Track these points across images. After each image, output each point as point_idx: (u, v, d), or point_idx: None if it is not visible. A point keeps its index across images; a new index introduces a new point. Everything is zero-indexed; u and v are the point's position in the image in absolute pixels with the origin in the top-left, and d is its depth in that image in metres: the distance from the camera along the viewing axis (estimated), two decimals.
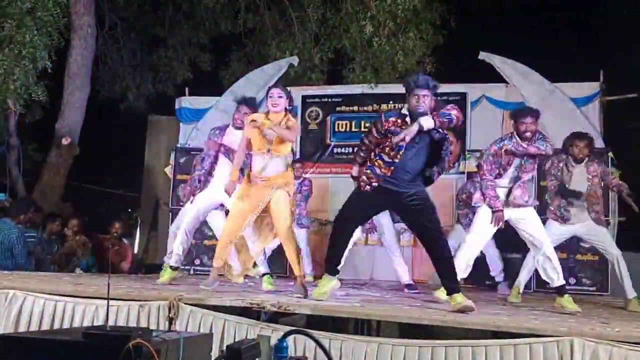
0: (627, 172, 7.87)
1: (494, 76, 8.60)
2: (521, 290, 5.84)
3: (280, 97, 4.97)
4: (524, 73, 8.42)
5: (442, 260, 4.54)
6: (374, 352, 3.61)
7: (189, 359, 2.44)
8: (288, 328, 3.39)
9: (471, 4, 11.64)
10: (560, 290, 5.00)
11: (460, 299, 4.32)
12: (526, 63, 8.43)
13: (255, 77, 9.72)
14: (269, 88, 5.12)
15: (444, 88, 8.95)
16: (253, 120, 4.99)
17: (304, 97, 9.48)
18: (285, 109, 5.03)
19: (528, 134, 5.09)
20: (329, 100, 9.46)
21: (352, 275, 7.70)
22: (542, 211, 7.17)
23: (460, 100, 8.70)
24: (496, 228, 5.18)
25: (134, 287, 5.01)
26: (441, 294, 4.91)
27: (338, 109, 9.33)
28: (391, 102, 8.77)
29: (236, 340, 3.62)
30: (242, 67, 11.75)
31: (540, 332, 3.50)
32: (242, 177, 5.20)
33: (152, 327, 3.88)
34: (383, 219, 6.26)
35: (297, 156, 9.18)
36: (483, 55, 8.52)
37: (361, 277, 7.84)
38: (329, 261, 4.79)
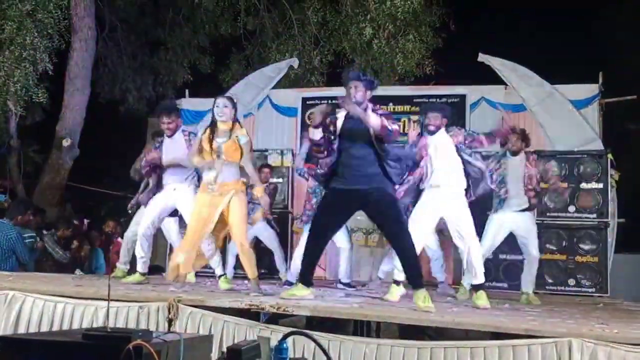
0: (626, 174, 7.89)
1: (493, 78, 8.61)
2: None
3: (225, 106, 5.08)
4: (523, 75, 8.42)
5: (406, 255, 4.53)
6: (373, 353, 3.61)
7: None
8: (287, 329, 3.41)
9: (470, 7, 11.66)
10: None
11: (422, 295, 4.33)
12: (525, 65, 8.44)
13: (255, 80, 9.72)
14: (215, 98, 5.22)
15: (444, 90, 9.02)
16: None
17: (303, 99, 9.48)
18: (234, 119, 5.14)
19: (431, 128, 5.28)
20: (329, 102, 9.43)
21: (352, 276, 7.69)
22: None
23: (460, 102, 8.71)
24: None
25: (133, 288, 5.01)
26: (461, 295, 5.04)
27: (338, 110, 9.33)
28: (391, 103, 8.78)
29: (235, 341, 3.63)
30: (242, 69, 11.78)
31: (538, 333, 3.50)
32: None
33: (152, 328, 3.88)
34: None
35: (297, 158, 9.20)
36: (482, 58, 8.53)
37: (361, 278, 7.84)
38: (303, 270, 4.70)
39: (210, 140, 5.02)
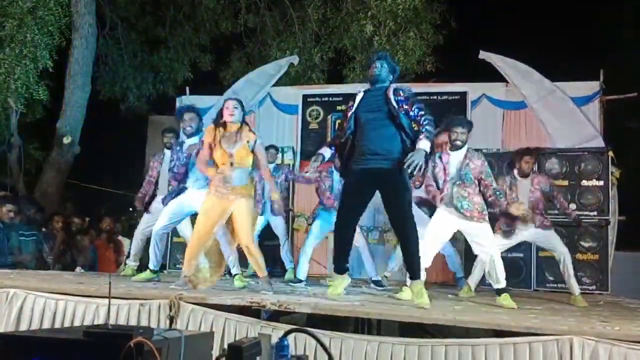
0: (627, 171, 7.88)
1: (494, 75, 8.60)
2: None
3: (235, 108, 5.11)
4: (524, 72, 8.41)
5: (408, 243, 4.56)
6: (374, 351, 3.61)
7: (190, 357, 2.45)
8: (288, 327, 3.40)
9: (471, 4, 11.65)
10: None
11: (417, 288, 4.45)
12: (526, 62, 8.43)
13: (255, 77, 9.72)
14: (225, 100, 5.26)
15: (445, 87, 9.01)
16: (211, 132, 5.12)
17: (304, 97, 9.48)
18: (242, 120, 5.18)
19: (458, 143, 5.29)
20: (330, 99, 9.46)
21: (352, 275, 7.70)
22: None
23: (461, 100, 8.70)
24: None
25: (134, 285, 5.02)
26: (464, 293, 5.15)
27: (339, 108, 9.33)
28: None
29: (236, 338, 3.63)
30: (242, 67, 11.77)
31: (540, 330, 3.50)
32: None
33: (153, 325, 3.88)
34: None
35: (298, 155, 9.22)
36: (483, 55, 8.51)
37: (362, 276, 7.84)
38: (335, 260, 4.86)
39: (220, 144, 5.04)
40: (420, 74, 10.71)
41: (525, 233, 5.92)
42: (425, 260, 4.98)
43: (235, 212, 5.05)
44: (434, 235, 5.25)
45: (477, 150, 5.57)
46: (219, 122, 5.15)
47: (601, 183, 7.35)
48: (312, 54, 11.20)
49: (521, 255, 7.46)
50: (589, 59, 9.58)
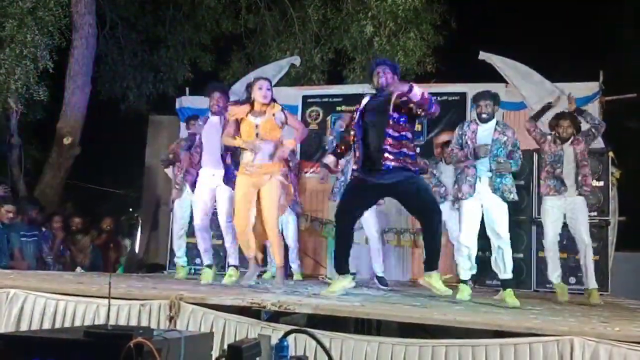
0: (627, 172, 7.88)
1: (494, 76, 8.60)
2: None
3: (268, 89, 5.15)
4: (524, 73, 8.41)
5: (431, 234, 4.64)
6: (375, 352, 3.61)
7: (190, 357, 2.45)
8: (288, 327, 3.40)
9: (471, 5, 11.65)
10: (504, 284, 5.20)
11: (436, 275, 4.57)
12: (526, 63, 8.43)
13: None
14: (256, 79, 5.27)
15: (444, 88, 9.00)
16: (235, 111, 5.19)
17: (304, 97, 9.48)
18: (272, 99, 5.21)
19: (484, 116, 5.29)
20: (330, 100, 9.46)
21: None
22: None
23: (461, 100, 8.70)
24: None
25: (135, 286, 5.01)
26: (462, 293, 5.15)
27: (338, 108, 9.33)
28: None
29: (236, 339, 3.63)
30: (242, 67, 11.77)
31: (540, 331, 3.50)
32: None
33: (153, 326, 3.88)
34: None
35: (298, 156, 9.21)
36: (483, 56, 8.51)
37: (362, 276, 7.84)
38: (336, 258, 4.84)
39: (247, 117, 5.07)
40: (420, 74, 10.71)
41: (569, 199, 5.87)
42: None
43: (263, 192, 5.05)
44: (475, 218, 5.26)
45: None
46: (248, 100, 5.15)
47: (601, 184, 7.35)
48: (312, 54, 11.20)
49: (521, 255, 7.46)
50: (589, 60, 9.59)
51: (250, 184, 5.07)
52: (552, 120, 6.14)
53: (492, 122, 5.32)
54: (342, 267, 4.78)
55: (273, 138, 5.10)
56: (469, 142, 5.31)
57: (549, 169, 5.97)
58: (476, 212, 5.24)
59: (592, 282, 5.79)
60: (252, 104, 5.14)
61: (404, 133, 4.65)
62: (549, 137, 6.06)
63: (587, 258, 5.83)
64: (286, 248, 7.50)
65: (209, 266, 5.91)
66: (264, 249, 5.67)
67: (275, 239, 5.15)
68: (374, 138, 4.64)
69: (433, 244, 4.66)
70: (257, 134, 5.02)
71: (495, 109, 5.34)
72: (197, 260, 8.51)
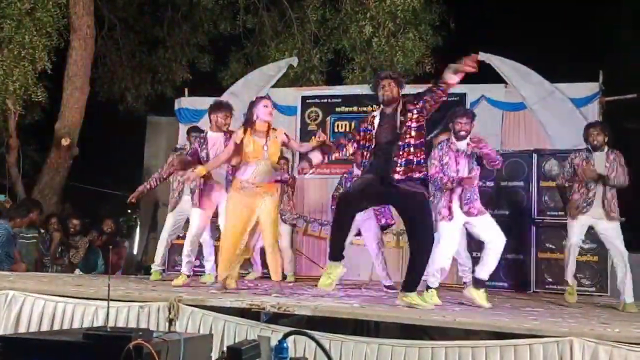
0: (627, 173, 7.85)
1: (493, 77, 8.60)
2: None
3: (272, 108, 5.27)
4: (524, 73, 8.42)
5: (419, 254, 4.59)
6: (374, 353, 3.60)
7: (190, 359, 2.44)
8: (288, 329, 3.39)
9: (470, 5, 11.66)
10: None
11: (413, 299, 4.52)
12: (525, 63, 8.43)
13: (254, 78, 9.71)
14: (260, 98, 5.33)
15: None
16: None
17: (303, 98, 9.47)
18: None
19: (462, 134, 5.27)
20: (329, 100, 9.45)
21: (351, 276, 7.69)
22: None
23: (460, 101, 8.69)
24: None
25: (134, 288, 5.01)
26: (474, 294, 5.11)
27: (337, 109, 9.32)
28: None
29: (236, 341, 3.62)
30: (241, 68, 11.76)
31: (540, 332, 3.50)
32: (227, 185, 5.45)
33: (152, 328, 3.87)
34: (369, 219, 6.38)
35: (297, 157, 9.20)
36: (482, 56, 8.49)
37: (361, 278, 7.84)
38: (331, 246, 4.73)
39: (252, 138, 5.09)
40: (419, 75, 10.71)
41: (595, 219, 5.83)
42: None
43: (262, 210, 5.06)
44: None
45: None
46: (250, 121, 5.15)
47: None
48: (310, 55, 11.20)
49: (521, 256, 7.46)
50: (588, 60, 9.58)
51: (246, 203, 5.06)
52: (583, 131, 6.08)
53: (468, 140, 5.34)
54: (338, 255, 4.68)
55: (275, 160, 5.21)
56: (451, 162, 5.30)
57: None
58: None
59: (630, 295, 5.67)
60: (253, 125, 5.13)
61: (413, 157, 4.62)
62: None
63: (627, 267, 5.75)
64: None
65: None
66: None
67: (276, 255, 5.17)
68: (387, 153, 4.61)
69: (418, 266, 4.62)
70: (265, 157, 5.09)
71: (472, 125, 5.33)
72: (196, 262, 8.53)
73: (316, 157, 4.79)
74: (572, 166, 6.01)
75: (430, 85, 4.88)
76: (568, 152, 7.51)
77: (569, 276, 6.08)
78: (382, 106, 4.79)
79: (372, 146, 4.68)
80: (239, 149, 5.16)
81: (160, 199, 9.91)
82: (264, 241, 5.24)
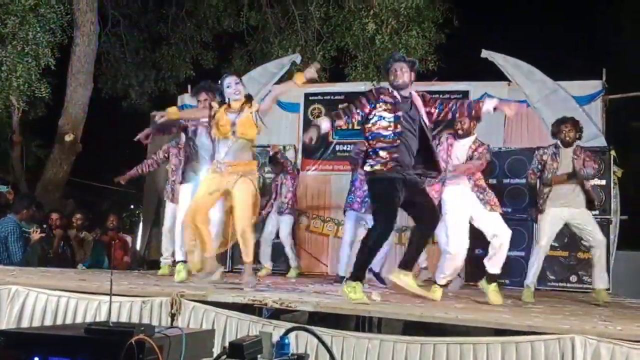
0: (629, 170, 7.87)
1: (496, 74, 8.59)
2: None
3: (237, 83, 5.02)
4: (527, 71, 8.39)
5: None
6: (376, 349, 3.61)
7: (191, 355, 2.45)
8: (290, 325, 3.40)
9: (474, 3, 11.64)
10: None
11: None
12: (528, 61, 8.41)
13: (257, 75, 9.70)
14: (223, 78, 5.11)
15: (447, 86, 9.00)
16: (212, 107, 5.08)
17: (306, 95, 9.47)
18: (246, 95, 5.09)
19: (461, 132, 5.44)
20: (332, 97, 9.45)
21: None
22: None
23: (462, 99, 8.68)
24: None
25: (136, 283, 5.01)
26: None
27: (340, 106, 9.29)
28: None
29: (238, 336, 3.63)
30: (244, 64, 11.78)
31: (541, 329, 3.50)
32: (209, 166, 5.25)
33: (155, 323, 3.88)
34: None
35: (300, 154, 9.21)
36: (485, 54, 8.49)
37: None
38: (362, 267, 4.54)
39: (224, 114, 4.94)
40: (422, 72, 10.69)
41: (566, 211, 5.76)
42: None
43: (235, 191, 4.90)
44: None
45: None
46: (223, 102, 5.04)
47: (603, 182, 7.34)
48: (314, 52, 11.19)
49: (522, 254, 7.45)
50: (592, 58, 9.58)
51: (218, 183, 4.93)
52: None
53: (470, 139, 5.38)
54: (364, 275, 4.65)
55: (250, 136, 4.99)
56: (442, 153, 5.39)
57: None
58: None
59: (602, 282, 5.72)
60: (228, 104, 5.02)
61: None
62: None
63: (602, 257, 5.74)
64: (281, 246, 7.58)
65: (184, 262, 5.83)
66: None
67: (246, 239, 4.93)
68: (411, 142, 4.58)
69: (420, 247, 4.71)
70: (233, 132, 4.89)
71: (471, 124, 5.35)
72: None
73: (325, 124, 4.51)
74: (540, 162, 5.95)
75: (462, 101, 4.86)
76: None
77: (533, 278, 5.95)
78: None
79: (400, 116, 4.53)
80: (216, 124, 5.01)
81: (162, 194, 9.93)
82: (235, 223, 4.97)
